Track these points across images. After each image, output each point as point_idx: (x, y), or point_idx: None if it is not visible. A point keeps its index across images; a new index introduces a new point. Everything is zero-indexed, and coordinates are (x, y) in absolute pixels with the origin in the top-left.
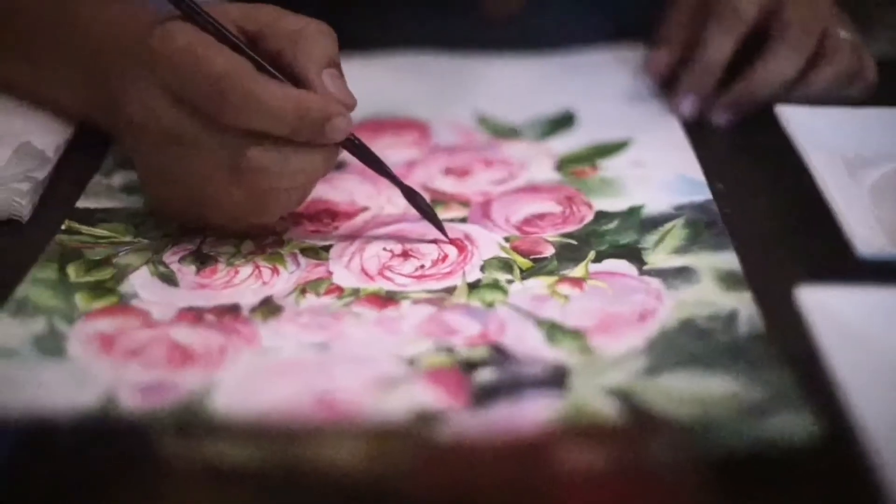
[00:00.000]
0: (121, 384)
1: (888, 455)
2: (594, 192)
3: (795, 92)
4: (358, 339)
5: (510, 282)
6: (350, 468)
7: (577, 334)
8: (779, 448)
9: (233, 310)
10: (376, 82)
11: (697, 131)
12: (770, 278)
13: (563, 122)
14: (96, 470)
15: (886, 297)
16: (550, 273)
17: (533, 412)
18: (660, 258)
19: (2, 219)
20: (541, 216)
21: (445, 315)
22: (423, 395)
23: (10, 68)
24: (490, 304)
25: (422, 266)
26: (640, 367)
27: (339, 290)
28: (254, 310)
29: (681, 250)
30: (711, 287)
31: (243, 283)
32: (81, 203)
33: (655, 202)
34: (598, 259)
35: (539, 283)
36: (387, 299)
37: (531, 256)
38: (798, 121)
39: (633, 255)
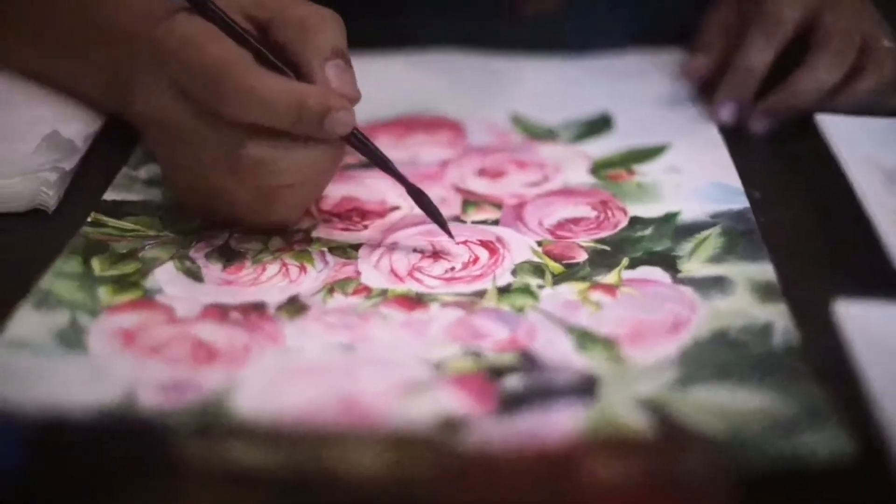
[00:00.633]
0: (141, 381)
1: None
2: (629, 197)
3: (836, 101)
4: (384, 341)
5: (541, 287)
6: (371, 475)
7: (607, 343)
8: (812, 465)
9: (258, 307)
10: (411, 79)
11: (735, 138)
12: (806, 290)
13: (599, 124)
14: (111, 469)
15: None
16: (583, 279)
17: (560, 422)
18: (694, 267)
19: (28, 209)
20: (575, 220)
21: (474, 319)
22: (448, 401)
23: (38, 57)
24: (520, 309)
25: (452, 268)
26: (672, 378)
27: (367, 291)
28: (280, 308)
29: (716, 259)
30: (746, 298)
31: (270, 280)
32: (109, 195)
33: (691, 209)
34: (631, 266)
35: (570, 289)
36: (415, 301)
37: (563, 261)
38: (838, 130)
39: (668, 262)
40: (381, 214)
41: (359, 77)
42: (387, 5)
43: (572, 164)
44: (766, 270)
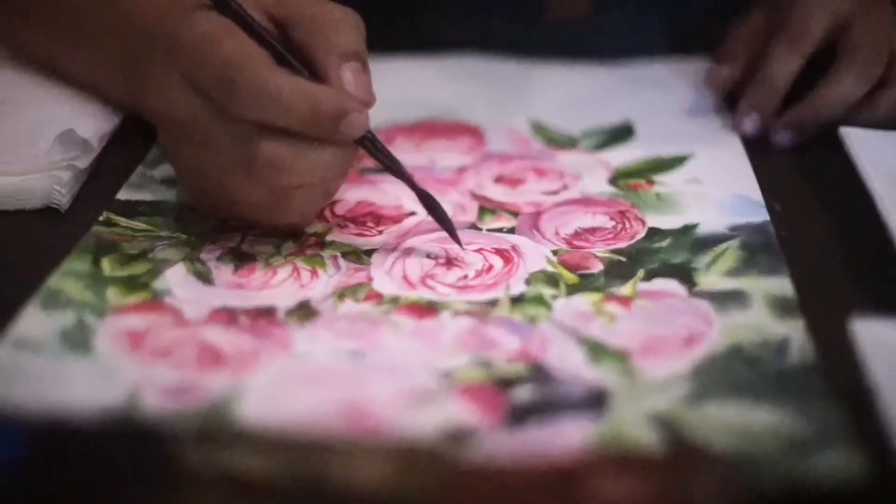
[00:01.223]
0: (146, 384)
1: None
2: (648, 207)
3: (861, 114)
4: (394, 348)
5: (555, 297)
6: (375, 486)
7: (620, 355)
8: (826, 486)
9: (268, 312)
10: (432, 84)
11: (758, 150)
12: (825, 307)
13: (621, 133)
14: (113, 472)
15: None
16: (597, 290)
17: (569, 435)
18: (711, 280)
19: (41, 206)
20: (592, 230)
21: (486, 328)
22: (456, 411)
23: (57, 48)
24: (533, 319)
25: (465, 276)
26: (685, 394)
27: (378, 297)
28: (290, 313)
29: (734, 273)
30: (763, 313)
31: (281, 284)
32: (122, 195)
33: (710, 221)
34: (647, 277)
35: (584, 300)
36: (427, 309)
37: (578, 272)
38: (862, 144)
39: (684, 275)
40: (397, 220)
41: (379, 79)
42: (411, 6)
43: (592, 173)
44: (784, 285)
